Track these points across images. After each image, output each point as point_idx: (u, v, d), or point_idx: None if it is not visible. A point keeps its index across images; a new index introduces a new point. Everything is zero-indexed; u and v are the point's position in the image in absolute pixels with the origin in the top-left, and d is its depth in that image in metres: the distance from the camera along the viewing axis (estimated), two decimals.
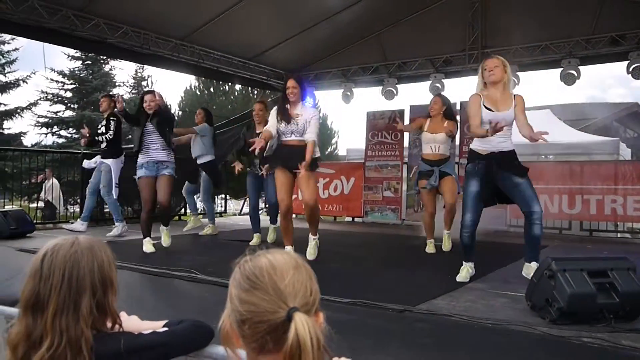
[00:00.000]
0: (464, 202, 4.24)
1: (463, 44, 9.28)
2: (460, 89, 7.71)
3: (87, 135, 7.11)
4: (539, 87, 29.60)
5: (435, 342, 2.80)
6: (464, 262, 4.35)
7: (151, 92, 5.86)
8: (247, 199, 9.50)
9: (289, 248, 4.91)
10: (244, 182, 6.87)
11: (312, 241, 5.15)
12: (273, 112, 5.11)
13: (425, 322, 3.12)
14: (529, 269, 3.97)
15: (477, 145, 4.24)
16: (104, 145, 7.01)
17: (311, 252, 5.07)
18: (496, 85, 4.17)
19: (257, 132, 6.07)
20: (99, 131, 7.08)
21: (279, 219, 5.53)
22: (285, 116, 5.02)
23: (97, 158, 7.24)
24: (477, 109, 4.16)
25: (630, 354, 2.55)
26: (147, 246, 5.66)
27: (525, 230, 4.06)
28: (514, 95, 4.21)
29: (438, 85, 9.52)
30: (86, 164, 7.44)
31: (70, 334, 1.24)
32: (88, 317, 1.27)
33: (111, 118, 7.01)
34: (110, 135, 6.92)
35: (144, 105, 5.75)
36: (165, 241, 5.87)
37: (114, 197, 6.99)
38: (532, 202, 3.99)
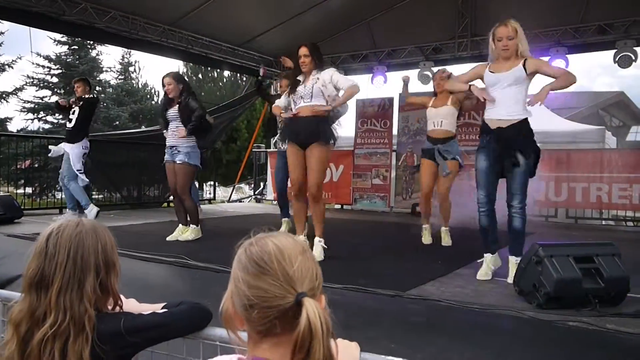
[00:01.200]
0: (476, 179, 3.89)
1: (452, 32, 9.29)
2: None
3: (65, 104, 7.05)
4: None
5: (426, 321, 2.85)
6: (484, 254, 3.95)
7: (168, 74, 5.59)
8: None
9: (301, 238, 4.33)
10: (233, 169, 6.84)
11: (318, 244, 4.52)
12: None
13: (416, 304, 3.17)
14: (510, 262, 3.79)
15: (486, 115, 3.87)
16: (70, 125, 6.87)
17: (316, 255, 4.36)
18: (508, 59, 3.74)
19: None
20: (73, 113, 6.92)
21: (291, 210, 5.03)
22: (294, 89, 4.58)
23: (62, 145, 6.99)
24: (472, 73, 3.94)
25: (614, 336, 2.61)
26: (173, 234, 5.54)
27: (507, 221, 3.80)
28: (525, 60, 3.70)
29: (427, 73, 9.54)
30: (53, 152, 7.07)
31: (74, 311, 1.26)
32: (91, 296, 1.30)
33: (87, 99, 6.92)
34: (70, 122, 6.83)
35: (164, 89, 5.59)
36: (182, 235, 5.53)
37: (80, 184, 6.79)
38: (515, 195, 3.71)
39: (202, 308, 1.50)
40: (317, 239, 4.56)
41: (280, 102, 4.84)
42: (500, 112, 3.75)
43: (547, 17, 8.50)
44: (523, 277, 3.30)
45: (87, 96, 6.99)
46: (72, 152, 6.79)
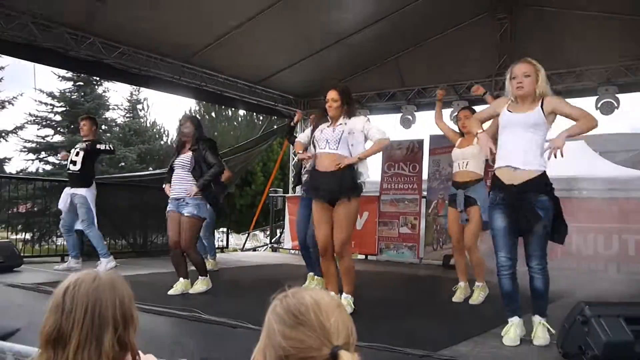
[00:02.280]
0: (493, 240, 3.87)
1: (488, 69, 9.36)
2: None
3: (65, 160, 7.21)
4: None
5: None
6: (508, 320, 3.86)
7: (185, 117, 5.85)
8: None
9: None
10: (247, 215, 6.95)
11: (346, 300, 4.53)
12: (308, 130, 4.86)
13: None
14: (533, 322, 3.78)
15: (497, 163, 3.82)
16: (75, 168, 6.94)
17: None
18: (524, 100, 3.73)
19: None
20: (71, 158, 7.03)
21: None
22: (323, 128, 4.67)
23: (67, 190, 7.07)
24: (491, 110, 3.96)
25: None
26: (174, 287, 5.54)
27: (529, 281, 3.79)
28: (542, 100, 3.67)
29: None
30: (61, 204, 7.12)
31: None
32: (110, 352, 1.37)
33: (86, 143, 7.04)
34: (77, 166, 6.92)
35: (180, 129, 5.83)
36: (193, 288, 5.58)
37: (96, 229, 6.95)
38: (533, 256, 3.71)
39: None
40: (344, 295, 4.58)
41: (301, 138, 4.90)
42: (513, 161, 3.69)
43: (594, 54, 8.53)
44: (567, 338, 3.30)
45: (99, 147, 7.09)
46: (89, 196, 6.90)
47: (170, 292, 5.46)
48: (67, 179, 7.30)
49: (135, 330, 1.47)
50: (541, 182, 3.68)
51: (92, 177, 7.07)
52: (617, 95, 8.67)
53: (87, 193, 6.90)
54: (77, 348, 1.34)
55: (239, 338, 3.76)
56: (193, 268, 5.61)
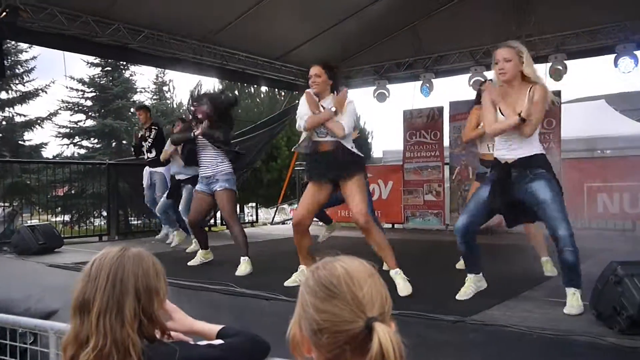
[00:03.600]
0: (467, 204, 3.95)
1: (506, 33, 9.10)
2: None
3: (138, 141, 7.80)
4: (592, 76, 28.87)
5: (493, 355, 2.78)
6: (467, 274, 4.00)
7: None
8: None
9: (301, 268, 4.49)
10: (275, 190, 6.90)
11: (397, 277, 4.26)
12: (303, 100, 4.52)
13: (480, 332, 3.11)
14: (567, 294, 3.57)
15: (496, 152, 3.85)
16: (151, 155, 7.60)
17: (402, 288, 4.19)
18: (511, 84, 3.64)
19: None
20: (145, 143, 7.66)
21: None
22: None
23: (147, 169, 7.79)
24: (492, 105, 3.72)
25: None
26: (194, 259, 5.84)
27: (558, 255, 3.60)
28: (531, 88, 3.58)
29: (479, 78, 9.41)
30: (145, 182, 7.87)
31: (115, 336, 1.30)
32: (132, 321, 1.33)
33: (153, 127, 7.61)
34: (152, 153, 7.55)
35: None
36: (240, 270, 5.29)
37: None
38: (556, 224, 3.47)
39: (261, 341, 1.53)
40: (392, 271, 4.26)
41: (300, 120, 4.54)
42: (505, 148, 3.71)
43: (611, 12, 8.22)
44: (600, 299, 3.20)
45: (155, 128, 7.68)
46: (166, 172, 7.67)
47: (190, 262, 5.70)
48: (102, 162, 8.07)
49: (162, 306, 1.43)
50: (533, 160, 3.65)
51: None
52: (635, 52, 8.35)
53: (164, 171, 7.64)
54: (99, 314, 1.32)
55: (275, 311, 3.73)
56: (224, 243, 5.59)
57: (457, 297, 3.92)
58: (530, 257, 5.31)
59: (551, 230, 3.53)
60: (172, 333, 1.49)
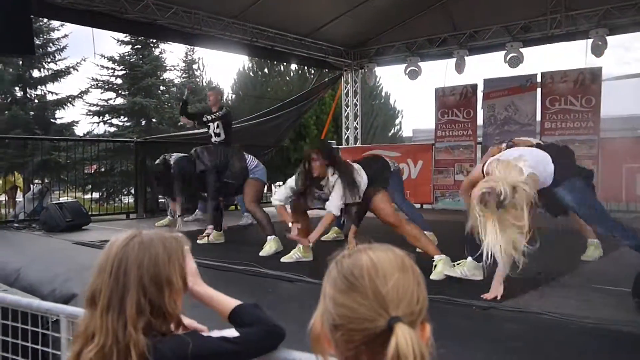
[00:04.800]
0: None
1: (544, 7, 8.80)
2: (541, 58, 7.33)
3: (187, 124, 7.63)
4: (635, 51, 27.95)
5: (528, 345, 2.65)
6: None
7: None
8: None
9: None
10: None
11: (439, 262, 4.19)
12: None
13: (514, 321, 2.98)
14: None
15: None
16: (219, 139, 7.08)
17: (435, 272, 4.14)
18: None
19: None
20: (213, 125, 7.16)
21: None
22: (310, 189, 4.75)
23: None
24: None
25: None
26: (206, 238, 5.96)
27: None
28: None
29: (515, 54, 9.10)
30: None
31: (118, 335, 1.22)
32: (136, 319, 1.23)
33: (221, 111, 7.07)
34: (219, 137, 7.05)
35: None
36: (264, 250, 5.26)
37: None
38: (598, 224, 3.66)
39: (275, 331, 1.43)
40: (436, 257, 4.22)
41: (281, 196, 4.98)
42: None
43: None
44: None
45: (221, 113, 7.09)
46: None
47: (199, 240, 5.77)
48: (131, 140, 8.24)
49: (177, 295, 1.31)
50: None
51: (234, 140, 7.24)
52: None
53: None
54: (102, 311, 1.24)
55: (297, 295, 3.65)
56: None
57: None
58: (569, 238, 5.10)
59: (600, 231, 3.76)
60: (186, 321, 1.39)
